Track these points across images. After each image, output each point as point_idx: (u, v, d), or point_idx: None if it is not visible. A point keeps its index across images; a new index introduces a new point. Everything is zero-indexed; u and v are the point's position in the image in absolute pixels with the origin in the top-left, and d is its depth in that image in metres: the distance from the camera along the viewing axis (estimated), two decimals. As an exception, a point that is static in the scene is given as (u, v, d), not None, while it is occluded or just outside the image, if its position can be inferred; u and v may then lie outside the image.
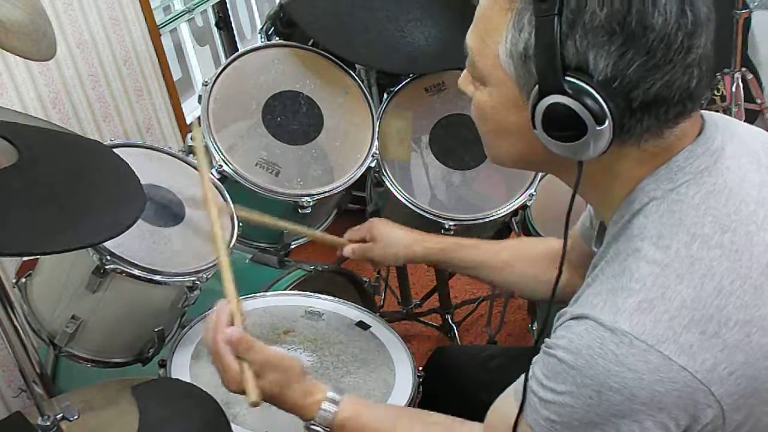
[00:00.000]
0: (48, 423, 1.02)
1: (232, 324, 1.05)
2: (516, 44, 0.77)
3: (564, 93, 0.74)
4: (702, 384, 0.73)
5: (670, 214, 0.79)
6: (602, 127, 0.74)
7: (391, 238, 1.38)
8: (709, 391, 0.73)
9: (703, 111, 0.85)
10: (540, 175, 1.68)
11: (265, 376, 1.01)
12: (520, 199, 1.66)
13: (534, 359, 0.82)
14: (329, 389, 1.04)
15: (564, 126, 0.75)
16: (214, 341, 1.03)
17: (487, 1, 0.81)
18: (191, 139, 1.45)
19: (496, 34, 0.79)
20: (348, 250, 1.42)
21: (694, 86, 0.76)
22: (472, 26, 0.84)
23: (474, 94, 0.87)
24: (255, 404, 0.99)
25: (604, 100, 0.73)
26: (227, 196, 1.47)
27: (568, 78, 0.74)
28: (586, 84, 0.73)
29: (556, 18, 0.72)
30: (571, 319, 0.79)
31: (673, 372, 0.73)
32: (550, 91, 0.75)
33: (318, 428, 1.03)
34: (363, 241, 1.41)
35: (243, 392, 1.01)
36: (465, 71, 0.88)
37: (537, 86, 0.76)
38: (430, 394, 1.28)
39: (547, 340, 0.81)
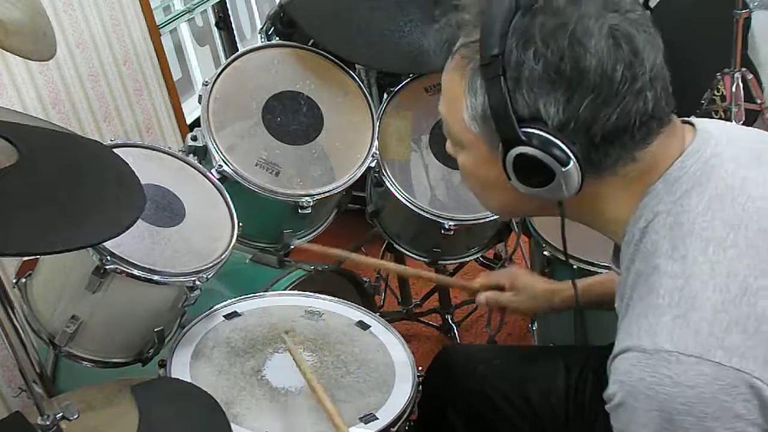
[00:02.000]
0: (48, 423, 1.02)
1: None
2: (475, 108, 0.82)
3: (525, 143, 0.78)
4: (762, 382, 0.72)
5: (679, 226, 0.79)
6: (568, 167, 0.78)
7: (535, 290, 1.33)
8: None
9: (696, 120, 0.86)
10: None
11: None
12: (520, 199, 1.66)
13: (612, 421, 0.81)
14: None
15: (533, 173, 0.80)
16: None
17: (445, 73, 0.88)
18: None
19: (457, 101, 0.85)
20: (481, 298, 1.36)
21: (651, 108, 0.78)
22: (440, 96, 0.91)
23: (458, 157, 0.92)
24: None
25: (563, 143, 0.77)
26: (227, 197, 1.47)
27: (525, 129, 0.78)
28: (543, 131, 0.77)
29: (501, 78, 0.77)
30: (616, 357, 0.78)
31: (730, 377, 0.72)
32: (513, 144, 0.79)
33: None
34: (499, 288, 1.36)
35: None
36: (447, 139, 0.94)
37: (501, 142, 0.80)
38: (430, 394, 1.28)
39: (605, 394, 0.80)
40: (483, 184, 0.92)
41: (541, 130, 0.77)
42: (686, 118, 0.88)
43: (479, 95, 0.81)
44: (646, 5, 2.39)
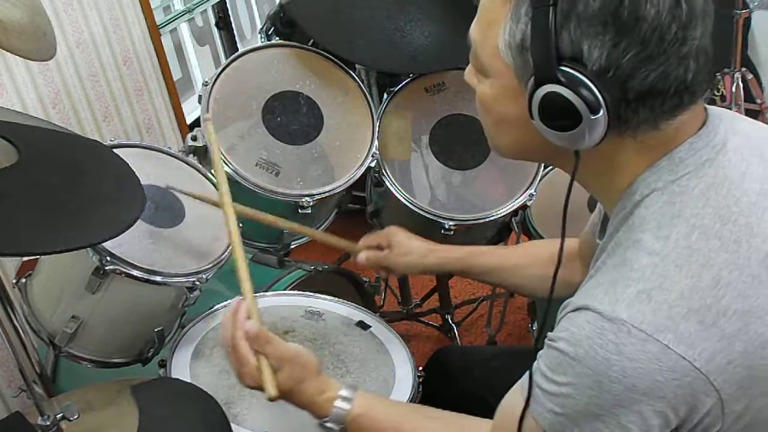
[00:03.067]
0: (48, 423, 1.02)
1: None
2: (513, 35, 0.79)
3: (559, 82, 0.75)
4: (701, 373, 0.73)
5: (671, 206, 0.79)
6: (597, 116, 0.75)
7: (408, 247, 1.37)
8: (708, 380, 0.74)
9: (706, 105, 0.85)
10: (540, 175, 1.68)
11: (282, 370, 1.02)
12: (520, 199, 1.66)
13: (539, 353, 0.83)
14: (342, 386, 1.05)
15: (559, 115, 0.77)
16: (232, 336, 1.03)
17: None
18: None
19: (495, 26, 0.81)
20: (362, 257, 1.40)
21: (690, 79, 0.76)
22: (475, 19, 0.86)
23: (477, 87, 0.89)
24: (272, 399, 1.00)
25: (598, 90, 0.74)
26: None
27: (562, 68, 0.75)
28: (580, 73, 0.74)
29: (551, 9, 0.74)
30: (573, 311, 0.79)
31: (672, 361, 0.73)
32: (546, 81, 0.76)
33: (332, 425, 1.04)
34: (378, 248, 1.40)
35: (259, 388, 1.02)
36: (470, 64, 0.90)
37: (533, 76, 0.77)
38: (431, 394, 1.28)
39: (550, 333, 0.82)
40: (499, 119, 0.88)
41: (579, 71, 0.74)
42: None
43: (522, 23, 0.77)
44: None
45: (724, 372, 0.74)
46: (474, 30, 0.86)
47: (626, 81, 0.75)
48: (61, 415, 1.03)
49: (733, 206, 0.79)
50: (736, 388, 0.75)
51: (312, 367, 1.05)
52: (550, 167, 1.77)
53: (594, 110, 0.75)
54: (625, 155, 0.82)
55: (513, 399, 0.87)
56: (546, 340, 0.82)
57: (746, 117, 0.92)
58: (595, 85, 0.74)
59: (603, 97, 0.74)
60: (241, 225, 1.43)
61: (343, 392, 1.04)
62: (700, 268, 0.76)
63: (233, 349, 1.03)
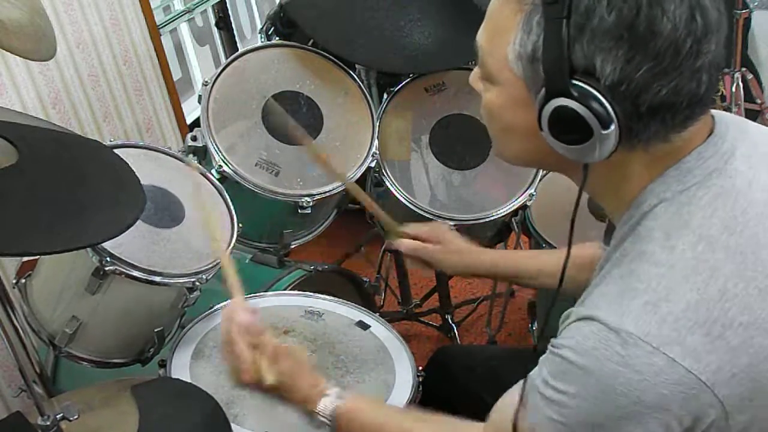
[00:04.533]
0: (48, 423, 1.02)
1: None
2: (524, 46, 0.77)
3: (570, 96, 0.74)
4: (707, 386, 0.73)
5: (678, 217, 0.79)
6: (608, 131, 0.74)
7: (460, 246, 1.33)
8: (713, 392, 0.73)
9: (713, 110, 0.85)
10: (540, 175, 1.68)
11: (278, 363, 1.05)
12: (520, 199, 1.66)
13: (541, 358, 0.82)
14: (332, 384, 1.09)
15: (570, 129, 0.76)
16: (227, 331, 1.06)
17: (497, 1, 0.81)
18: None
19: (505, 35, 0.79)
20: (406, 244, 1.34)
21: (702, 92, 0.76)
22: (482, 25, 0.84)
23: (483, 93, 0.87)
24: (272, 387, 1.03)
25: (610, 105, 0.73)
26: (227, 197, 1.47)
27: (574, 81, 0.74)
28: (593, 88, 0.73)
29: (564, 21, 0.73)
30: (578, 320, 0.79)
31: (678, 375, 0.72)
32: (557, 94, 0.75)
33: (324, 418, 1.06)
34: (421, 239, 1.35)
35: (255, 382, 1.05)
36: (476, 68, 0.88)
37: (544, 88, 0.76)
38: (430, 394, 1.28)
39: (553, 339, 0.81)
40: (506, 128, 0.87)
41: (591, 86, 0.73)
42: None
43: (534, 34, 0.76)
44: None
45: (729, 384, 0.74)
46: (481, 37, 0.84)
47: (639, 95, 0.74)
48: (61, 415, 1.03)
49: (740, 217, 0.78)
50: (740, 400, 0.75)
51: (305, 363, 1.08)
52: (550, 167, 1.77)
53: (605, 125, 0.74)
54: (634, 167, 0.81)
55: (508, 403, 0.86)
56: (549, 346, 0.81)
57: (752, 122, 0.91)
58: (608, 100, 0.73)
59: (615, 111, 0.73)
60: (240, 225, 1.44)
61: (335, 389, 1.08)
62: (707, 279, 0.75)
63: (229, 345, 1.05)
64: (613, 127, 0.74)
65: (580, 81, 0.74)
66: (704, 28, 0.73)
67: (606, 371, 0.74)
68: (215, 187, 1.48)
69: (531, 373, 0.83)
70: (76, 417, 1.04)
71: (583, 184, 0.82)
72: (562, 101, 0.75)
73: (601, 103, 0.73)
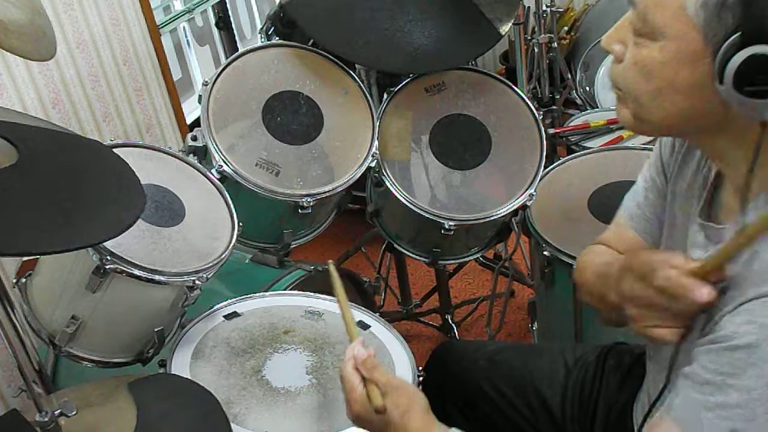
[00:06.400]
0: (46, 419, 1.02)
1: None
2: None
3: None
4: None
5: None
6: None
7: None
8: None
9: None
10: (540, 175, 1.68)
11: (389, 396, 0.97)
12: (520, 199, 1.66)
13: (685, 371, 0.76)
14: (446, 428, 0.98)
15: (762, 80, 0.70)
16: (343, 367, 1.01)
17: None
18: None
19: None
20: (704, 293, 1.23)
21: None
22: None
23: (634, 52, 0.82)
24: (380, 409, 0.96)
25: None
26: (227, 197, 1.47)
27: None
28: None
29: None
30: (754, 299, 0.73)
31: None
32: (753, 42, 0.70)
33: None
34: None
35: (365, 412, 0.97)
36: (614, 30, 0.84)
37: (733, 36, 0.71)
38: (432, 385, 1.27)
39: (707, 337, 0.75)
40: (663, 86, 0.79)
41: None
42: None
43: None
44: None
45: None
46: None
47: None
48: (59, 411, 1.03)
49: None
50: None
51: (419, 400, 0.99)
52: (550, 167, 1.78)
53: None
54: None
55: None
56: (704, 348, 0.74)
57: None
58: None
59: None
60: (240, 225, 1.44)
61: (454, 429, 0.97)
62: None
63: (343, 379, 1.01)
64: None
65: None
66: None
67: None
68: (215, 186, 1.48)
69: (688, 397, 0.76)
70: (74, 413, 1.04)
71: (758, 146, 0.74)
72: (760, 49, 0.69)
73: None
